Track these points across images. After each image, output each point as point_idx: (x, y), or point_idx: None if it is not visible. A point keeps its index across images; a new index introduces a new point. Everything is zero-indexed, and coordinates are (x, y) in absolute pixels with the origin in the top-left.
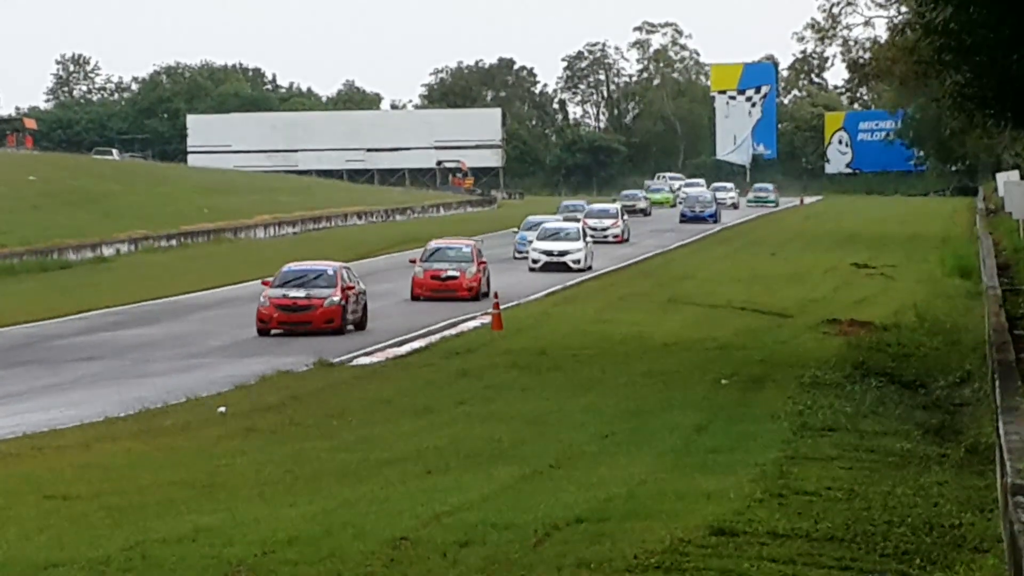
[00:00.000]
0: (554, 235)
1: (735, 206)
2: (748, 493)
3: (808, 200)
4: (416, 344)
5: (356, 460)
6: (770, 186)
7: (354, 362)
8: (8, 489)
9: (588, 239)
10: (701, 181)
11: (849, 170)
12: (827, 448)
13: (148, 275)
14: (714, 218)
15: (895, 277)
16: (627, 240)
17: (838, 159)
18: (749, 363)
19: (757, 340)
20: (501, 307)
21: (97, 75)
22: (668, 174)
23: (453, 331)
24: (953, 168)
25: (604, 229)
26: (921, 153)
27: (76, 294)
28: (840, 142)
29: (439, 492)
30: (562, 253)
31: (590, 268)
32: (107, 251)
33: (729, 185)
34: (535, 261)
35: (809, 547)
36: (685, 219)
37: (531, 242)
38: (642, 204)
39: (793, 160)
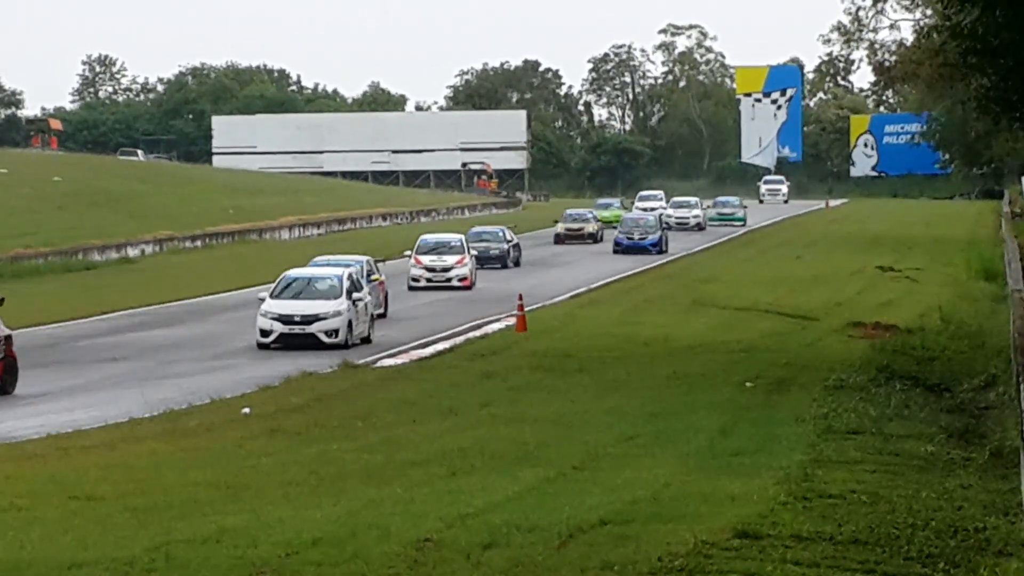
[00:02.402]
0: (434, 249)
1: (700, 227)
2: (772, 496)
3: (833, 203)
4: (441, 346)
5: (380, 461)
6: (735, 199)
7: (379, 364)
8: (33, 490)
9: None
10: (694, 200)
11: (874, 173)
12: (851, 451)
13: (173, 276)
14: (658, 247)
15: (920, 280)
16: (471, 286)
17: (863, 162)
18: (774, 366)
19: (782, 343)
20: (526, 309)
21: (123, 76)
22: (650, 192)
23: (477, 333)
24: (979, 171)
25: (447, 269)
26: (946, 156)
27: (101, 295)
28: (866, 145)
29: (463, 494)
30: (445, 269)
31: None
32: (132, 252)
33: (692, 200)
34: (414, 279)
35: (833, 550)
36: (620, 248)
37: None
38: (592, 227)
39: (818, 163)
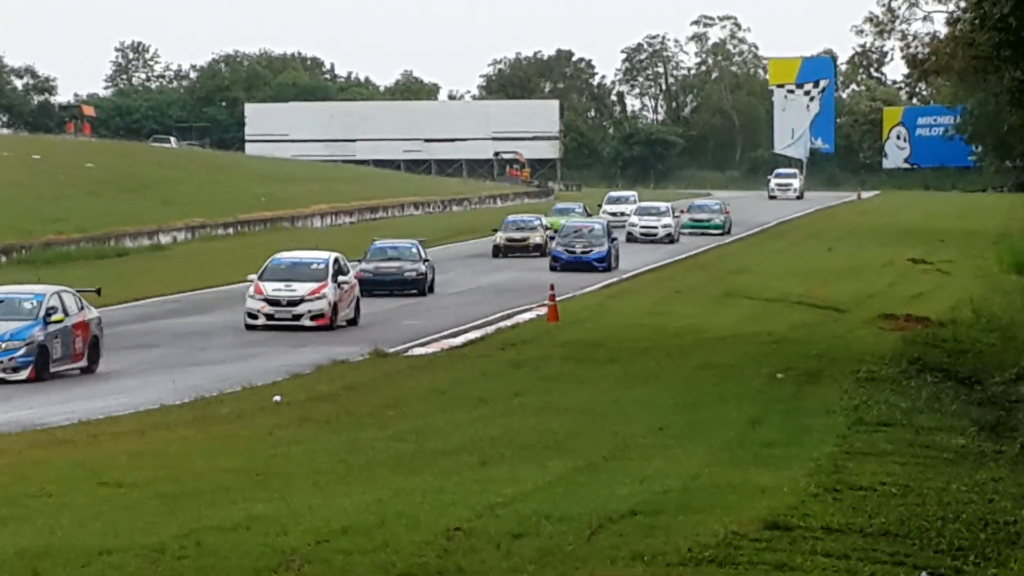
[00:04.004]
0: (286, 273)
1: (671, 239)
2: (803, 487)
3: (865, 195)
4: (471, 335)
5: (410, 450)
6: (716, 203)
7: (409, 352)
8: (63, 476)
9: (343, 279)
10: (664, 206)
11: (907, 165)
12: (882, 443)
13: (205, 263)
14: (605, 263)
15: (952, 273)
16: (332, 324)
17: (896, 154)
18: (805, 357)
19: (813, 334)
20: (557, 299)
21: (156, 63)
22: (623, 192)
23: (508, 322)
24: (1012, 164)
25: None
26: (979, 149)
27: (132, 281)
28: (898, 137)
29: (493, 483)
30: (292, 303)
31: (356, 322)
32: (164, 239)
33: (663, 206)
34: (251, 316)
35: (863, 542)
36: (558, 264)
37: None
38: (538, 237)
39: (851, 154)
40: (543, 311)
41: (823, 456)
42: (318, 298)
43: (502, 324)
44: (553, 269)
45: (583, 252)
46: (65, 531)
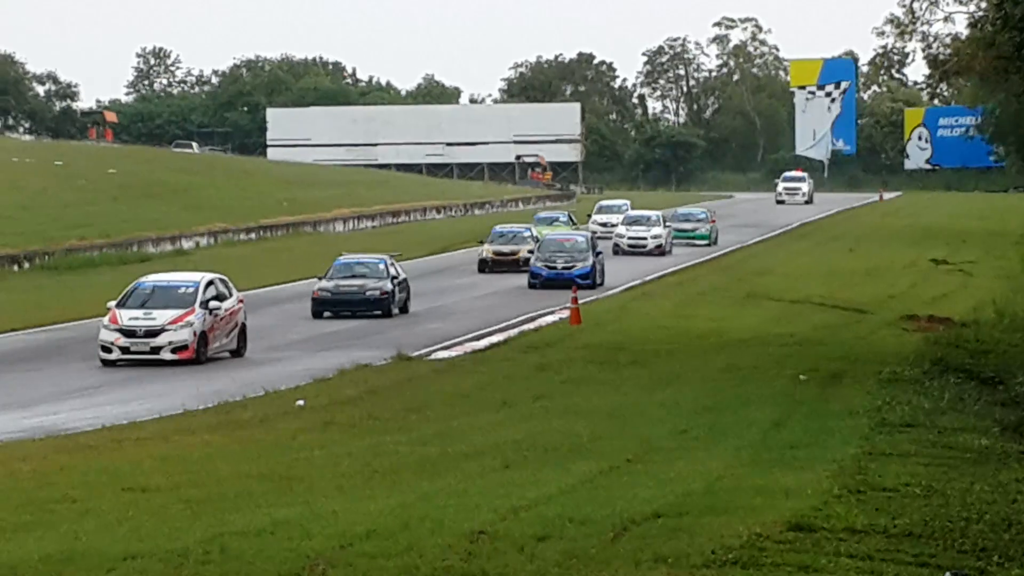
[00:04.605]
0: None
1: (662, 251)
2: (826, 489)
3: (887, 196)
4: (494, 338)
5: (434, 454)
6: (701, 212)
7: (432, 356)
8: (87, 481)
9: (216, 305)
10: (654, 215)
11: (928, 166)
12: (905, 444)
13: (227, 268)
14: (590, 280)
15: (974, 273)
16: (201, 358)
17: (917, 155)
18: (828, 359)
19: (835, 336)
20: (580, 301)
21: (178, 68)
22: (614, 201)
23: (531, 325)
24: None
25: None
26: (1001, 149)
27: None
28: (920, 138)
29: (517, 486)
30: (151, 333)
31: (240, 354)
32: (186, 244)
33: (653, 215)
34: (104, 349)
35: (887, 543)
36: (537, 282)
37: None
38: (527, 250)
39: (872, 156)
40: (566, 314)
41: (846, 457)
42: (181, 327)
43: (525, 327)
44: (532, 286)
45: (565, 268)
46: (89, 536)
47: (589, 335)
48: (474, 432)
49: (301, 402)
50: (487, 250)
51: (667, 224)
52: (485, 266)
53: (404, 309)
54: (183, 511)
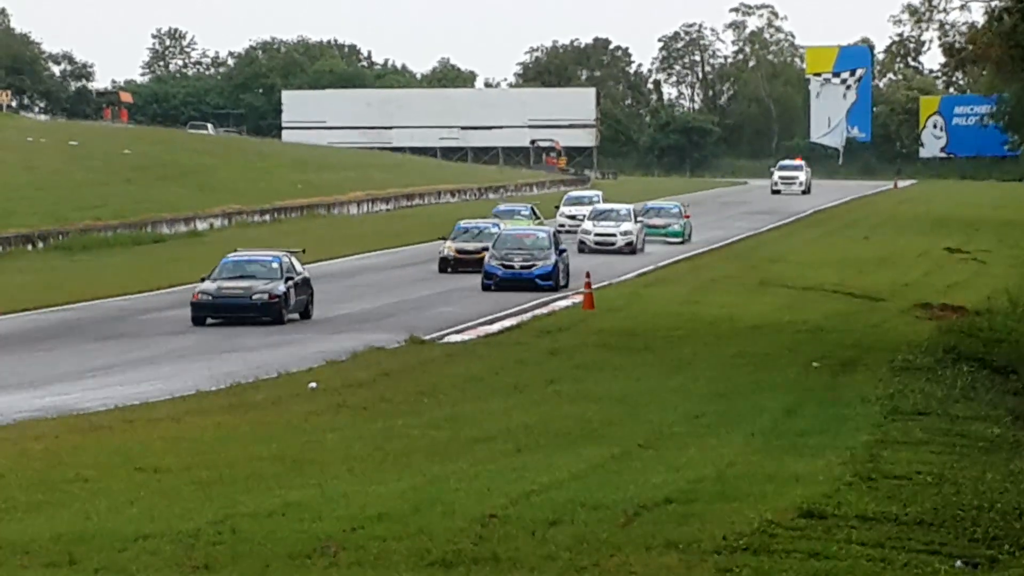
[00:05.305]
0: None
1: (632, 248)
2: (838, 476)
3: (902, 184)
4: (507, 323)
5: (446, 437)
6: (673, 206)
7: (445, 339)
8: (99, 461)
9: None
10: (624, 209)
11: (943, 154)
12: (917, 432)
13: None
14: (551, 281)
15: (988, 262)
16: None
17: (932, 143)
18: (840, 346)
19: (848, 323)
20: (593, 287)
21: (193, 49)
22: (585, 192)
23: (544, 310)
24: None
25: None
26: (1016, 138)
27: (169, 268)
28: (935, 126)
29: (528, 470)
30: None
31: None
32: (201, 225)
33: (623, 209)
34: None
35: (898, 531)
36: (492, 283)
37: None
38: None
39: (887, 144)
40: (579, 299)
41: (858, 445)
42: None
43: (538, 311)
44: (487, 288)
45: (523, 267)
46: (101, 516)
47: (602, 320)
48: (486, 416)
49: (313, 384)
50: (449, 247)
51: (639, 219)
52: (447, 265)
53: (305, 314)
54: (195, 492)
